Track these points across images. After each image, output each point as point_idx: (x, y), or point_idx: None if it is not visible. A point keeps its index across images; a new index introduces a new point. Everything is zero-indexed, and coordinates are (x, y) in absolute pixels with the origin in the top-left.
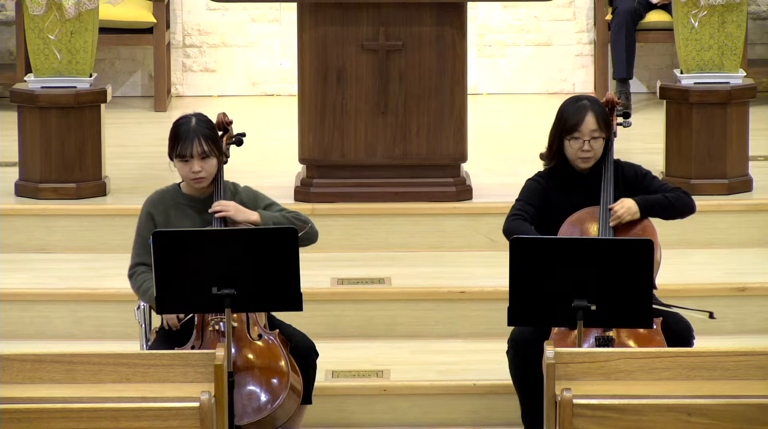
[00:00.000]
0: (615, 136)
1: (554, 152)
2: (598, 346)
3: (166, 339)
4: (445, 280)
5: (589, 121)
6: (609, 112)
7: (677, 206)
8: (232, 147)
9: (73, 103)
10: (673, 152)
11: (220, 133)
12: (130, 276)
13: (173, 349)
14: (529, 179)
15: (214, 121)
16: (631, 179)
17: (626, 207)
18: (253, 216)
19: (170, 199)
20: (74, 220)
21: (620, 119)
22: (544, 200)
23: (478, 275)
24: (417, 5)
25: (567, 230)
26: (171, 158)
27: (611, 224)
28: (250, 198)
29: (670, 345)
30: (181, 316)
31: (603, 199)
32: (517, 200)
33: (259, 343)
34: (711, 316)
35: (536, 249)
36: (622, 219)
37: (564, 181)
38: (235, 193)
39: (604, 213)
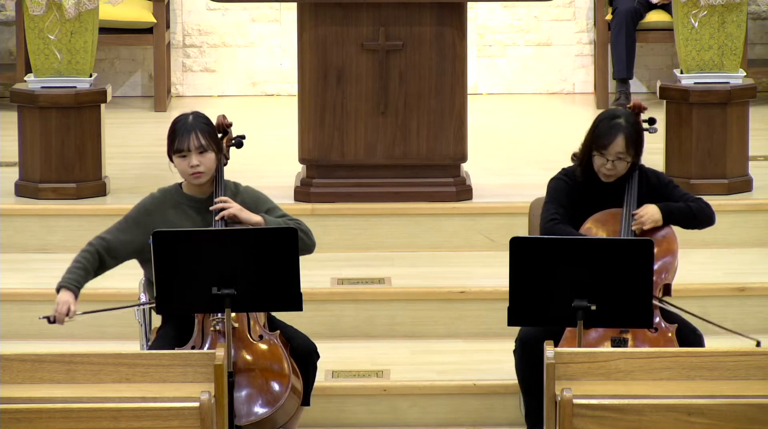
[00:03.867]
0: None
1: (584, 159)
2: (613, 346)
3: (166, 339)
4: (445, 280)
5: (619, 143)
6: (640, 125)
7: (698, 217)
8: (232, 149)
9: (73, 103)
10: (673, 152)
11: (219, 135)
12: (87, 243)
13: (173, 349)
14: (553, 179)
15: (214, 122)
16: (654, 186)
17: (650, 214)
18: (256, 217)
19: (171, 198)
20: (74, 220)
21: (646, 125)
22: (571, 198)
23: (478, 275)
24: (417, 5)
25: (589, 229)
26: (170, 157)
27: (633, 228)
28: (251, 198)
29: None
30: (73, 313)
31: (626, 203)
32: (547, 203)
33: (260, 344)
34: (758, 344)
35: (536, 249)
36: (644, 225)
37: (587, 184)
38: (236, 192)
39: (627, 216)
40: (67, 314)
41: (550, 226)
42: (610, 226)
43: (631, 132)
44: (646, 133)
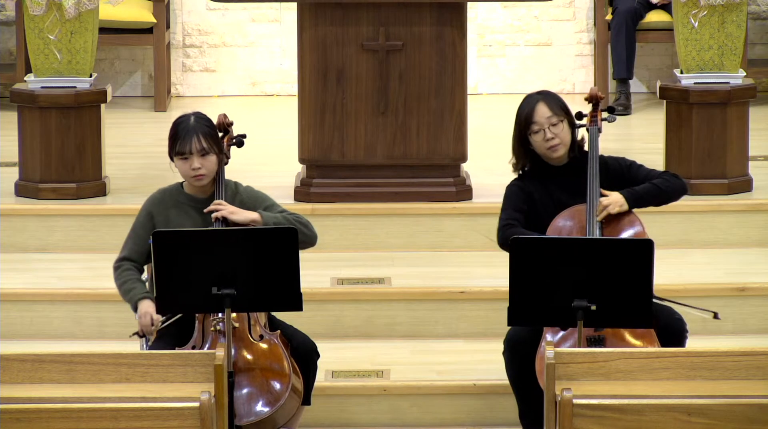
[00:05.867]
0: (600, 131)
1: (521, 155)
2: (590, 346)
3: (167, 339)
4: (445, 280)
5: (541, 109)
6: (593, 107)
7: (666, 191)
8: (233, 148)
9: (73, 103)
10: (673, 152)
11: (220, 134)
12: (115, 268)
13: (173, 349)
14: (508, 186)
15: (215, 122)
16: (617, 173)
17: (613, 200)
18: (253, 214)
19: (171, 198)
20: (74, 220)
21: (605, 114)
22: (528, 202)
23: (478, 275)
24: (417, 5)
25: (556, 229)
26: (171, 158)
27: (598, 217)
28: (250, 198)
29: (662, 341)
30: (157, 321)
31: (589, 196)
32: (502, 210)
33: (261, 343)
34: (715, 316)
35: (536, 249)
36: (610, 211)
37: (542, 180)
38: (236, 192)
39: (592, 209)
40: (152, 324)
41: (503, 231)
42: (575, 221)
43: (547, 97)
44: (605, 123)
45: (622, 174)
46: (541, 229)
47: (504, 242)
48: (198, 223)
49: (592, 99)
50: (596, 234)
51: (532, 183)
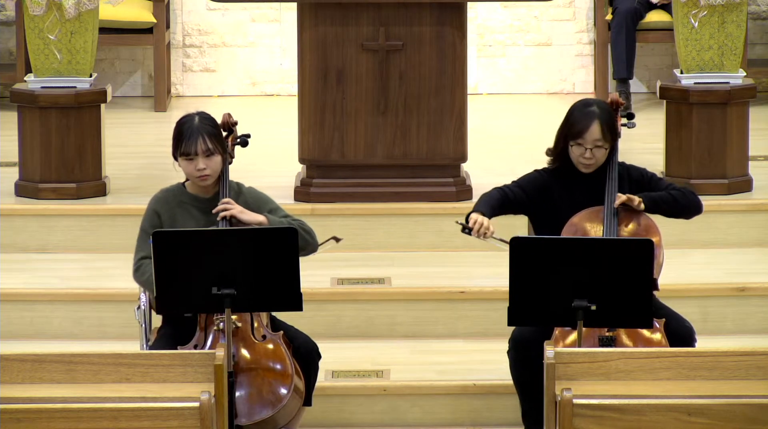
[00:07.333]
0: (619, 136)
1: (559, 152)
2: (601, 346)
3: (167, 339)
4: (445, 280)
5: (594, 130)
6: (614, 112)
7: (682, 203)
8: (237, 148)
9: (73, 103)
10: (673, 152)
11: (225, 133)
12: (136, 270)
13: (175, 349)
14: (536, 170)
15: (220, 121)
16: (638, 182)
17: (630, 196)
18: (259, 217)
19: (175, 198)
20: (74, 220)
21: (624, 120)
22: (542, 194)
23: (478, 275)
24: (417, 5)
25: (570, 230)
26: (175, 158)
27: (615, 204)
28: (254, 199)
29: (671, 347)
30: None
31: (607, 200)
32: (514, 181)
33: (263, 343)
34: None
35: (536, 249)
36: (629, 202)
37: (567, 180)
38: (239, 193)
39: (609, 213)
40: None
41: (491, 189)
42: (591, 223)
43: (605, 118)
44: (624, 129)
45: (643, 183)
46: (554, 226)
47: (481, 197)
48: (201, 222)
49: (613, 105)
50: (614, 234)
51: (557, 181)
